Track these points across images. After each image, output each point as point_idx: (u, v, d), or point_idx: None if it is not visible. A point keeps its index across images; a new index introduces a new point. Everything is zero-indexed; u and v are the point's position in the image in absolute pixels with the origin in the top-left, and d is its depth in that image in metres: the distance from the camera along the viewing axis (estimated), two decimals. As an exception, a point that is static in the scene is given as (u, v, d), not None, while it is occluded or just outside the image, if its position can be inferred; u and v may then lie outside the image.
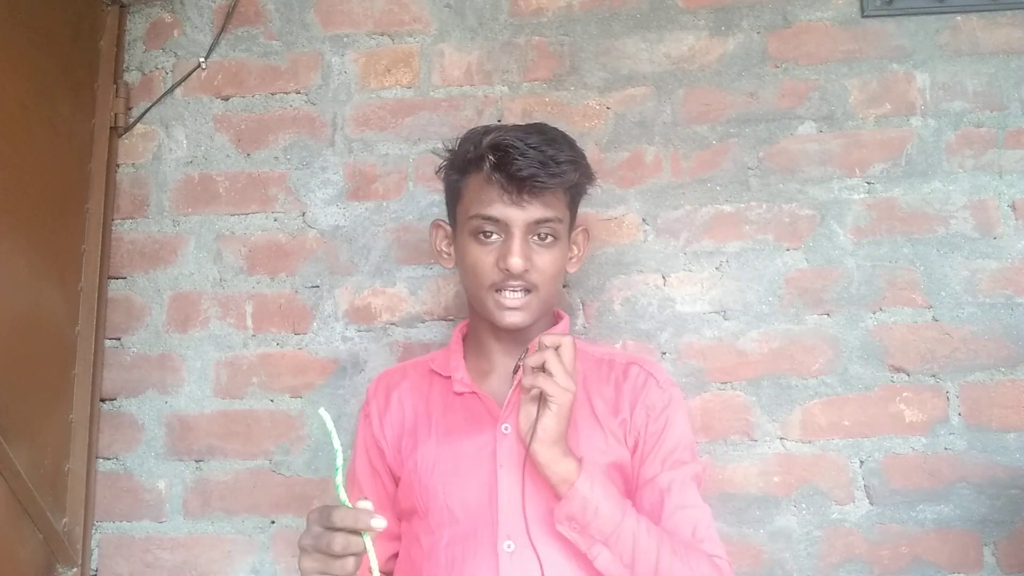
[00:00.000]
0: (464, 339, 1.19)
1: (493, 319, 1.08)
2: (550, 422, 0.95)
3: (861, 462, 1.35)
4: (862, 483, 1.34)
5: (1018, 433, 1.34)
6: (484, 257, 1.07)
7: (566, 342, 0.97)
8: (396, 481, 1.14)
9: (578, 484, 0.95)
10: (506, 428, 1.05)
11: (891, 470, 1.34)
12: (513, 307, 1.06)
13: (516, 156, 1.03)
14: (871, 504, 1.34)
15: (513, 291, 1.06)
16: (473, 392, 1.11)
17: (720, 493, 1.35)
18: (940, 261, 1.39)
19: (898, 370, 1.37)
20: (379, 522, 0.82)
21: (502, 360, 1.14)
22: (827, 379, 1.37)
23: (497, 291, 1.07)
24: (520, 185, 1.04)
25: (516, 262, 1.03)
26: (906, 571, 1.32)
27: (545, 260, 1.07)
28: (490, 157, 1.05)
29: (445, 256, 1.17)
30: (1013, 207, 1.40)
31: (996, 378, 1.36)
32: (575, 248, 1.18)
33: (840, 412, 1.36)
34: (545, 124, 1.14)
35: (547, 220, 1.06)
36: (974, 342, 1.37)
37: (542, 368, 0.96)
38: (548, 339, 0.98)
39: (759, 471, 1.36)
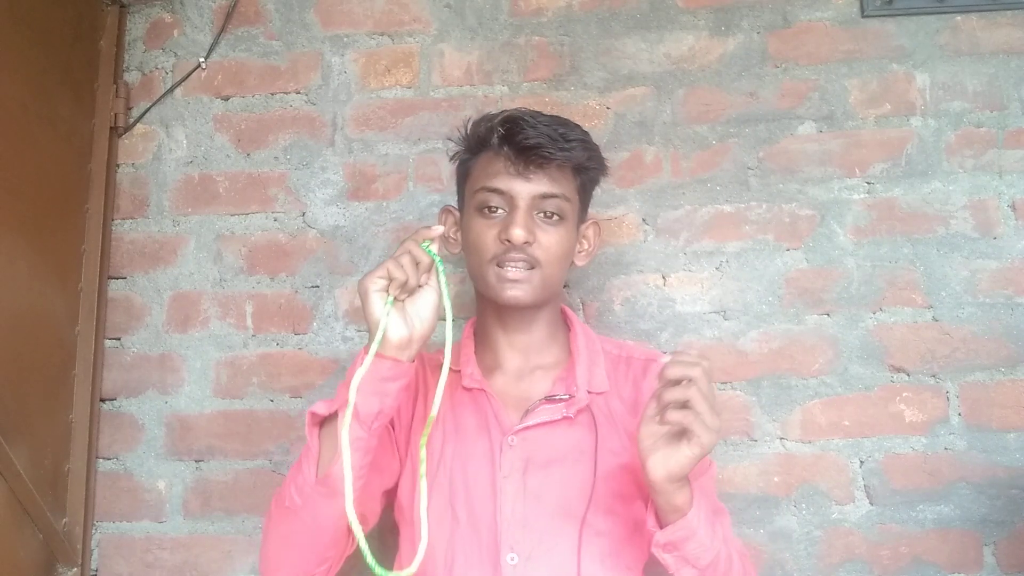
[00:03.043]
0: (474, 334, 1.18)
1: (494, 295, 1.07)
2: (687, 461, 0.86)
3: (861, 462, 1.35)
4: (862, 483, 1.34)
5: (1018, 433, 1.34)
6: (487, 231, 1.06)
7: (697, 375, 0.85)
8: (397, 448, 1.11)
9: (690, 515, 0.89)
10: (512, 440, 1.04)
11: (891, 470, 1.34)
12: (514, 279, 1.04)
13: (525, 127, 1.05)
14: (871, 504, 1.34)
15: (515, 265, 1.04)
16: (481, 389, 1.09)
17: (720, 493, 1.34)
18: (940, 261, 1.39)
19: (898, 370, 1.37)
20: (437, 228, 0.96)
21: (509, 355, 1.13)
22: (827, 379, 1.37)
23: (499, 265, 1.05)
24: (527, 156, 1.04)
25: (518, 233, 1.02)
26: (906, 571, 1.32)
27: (550, 238, 1.05)
28: (499, 130, 1.07)
29: (452, 241, 1.16)
30: (1013, 207, 1.40)
31: (996, 378, 1.36)
32: (585, 242, 1.17)
33: (840, 412, 1.36)
34: (561, 116, 1.15)
35: (553, 196, 1.06)
36: (974, 342, 1.37)
37: (683, 403, 0.85)
38: (675, 371, 0.86)
39: (759, 471, 1.36)
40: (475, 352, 1.14)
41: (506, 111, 1.10)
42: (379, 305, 0.92)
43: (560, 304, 1.19)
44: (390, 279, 0.92)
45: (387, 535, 1.40)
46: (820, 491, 1.34)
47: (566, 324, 1.18)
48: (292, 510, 0.94)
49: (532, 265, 1.05)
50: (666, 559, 0.91)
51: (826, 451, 1.36)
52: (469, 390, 1.10)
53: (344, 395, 0.92)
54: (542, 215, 1.06)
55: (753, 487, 1.35)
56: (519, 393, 1.09)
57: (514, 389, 1.10)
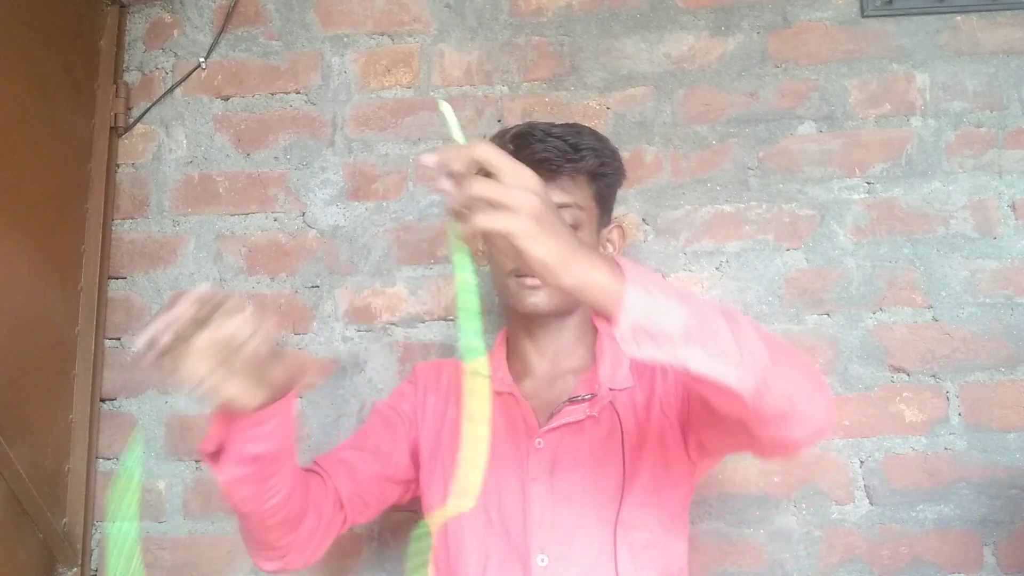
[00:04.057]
0: (506, 342, 1.19)
1: (515, 304, 1.08)
2: (538, 246, 0.67)
3: (861, 462, 1.35)
4: (862, 483, 1.34)
5: (1018, 433, 1.34)
6: None
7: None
8: (407, 454, 1.11)
9: (628, 289, 0.70)
10: (539, 443, 1.04)
11: (891, 470, 1.34)
12: (533, 286, 1.05)
13: (534, 142, 1.06)
14: (871, 504, 1.34)
15: (532, 277, 1.05)
16: (511, 393, 1.10)
17: (720, 493, 1.35)
18: (940, 261, 1.39)
19: (898, 370, 1.37)
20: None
21: (537, 360, 1.13)
22: (827, 379, 1.37)
23: (518, 276, 1.07)
24: (536, 170, 1.03)
25: None
26: (906, 571, 1.32)
27: None
28: (509, 146, 1.07)
29: (481, 255, 1.17)
30: (1013, 207, 1.40)
31: (996, 378, 1.36)
32: (610, 245, 1.17)
33: (840, 412, 1.36)
34: (581, 124, 1.15)
35: (564, 205, 1.06)
36: (974, 342, 1.37)
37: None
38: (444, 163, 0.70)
39: (759, 471, 1.36)
40: (507, 358, 1.15)
41: (519, 126, 1.11)
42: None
43: (588, 311, 1.18)
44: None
45: (387, 535, 1.40)
46: (820, 491, 1.34)
47: (595, 328, 1.18)
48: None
49: None
50: (654, 354, 0.72)
51: (826, 451, 1.36)
52: (500, 394, 1.10)
53: (218, 435, 0.84)
54: None
55: (753, 487, 1.35)
56: (550, 397, 1.09)
57: (545, 393, 1.10)
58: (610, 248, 1.17)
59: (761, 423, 0.80)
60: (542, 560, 0.98)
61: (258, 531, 0.94)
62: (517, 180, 0.69)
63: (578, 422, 1.05)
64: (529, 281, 1.05)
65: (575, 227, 1.07)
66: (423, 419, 1.13)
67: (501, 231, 0.67)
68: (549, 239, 0.68)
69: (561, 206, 1.05)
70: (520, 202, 0.67)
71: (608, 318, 0.72)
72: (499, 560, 1.01)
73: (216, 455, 0.86)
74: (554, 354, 1.13)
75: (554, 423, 1.05)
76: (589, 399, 1.06)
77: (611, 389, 1.07)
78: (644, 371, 1.10)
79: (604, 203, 1.14)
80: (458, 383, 1.14)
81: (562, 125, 1.11)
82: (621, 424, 1.05)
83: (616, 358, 1.12)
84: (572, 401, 1.06)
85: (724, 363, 0.73)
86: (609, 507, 1.00)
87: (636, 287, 0.71)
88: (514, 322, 1.16)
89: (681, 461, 1.04)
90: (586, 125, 1.14)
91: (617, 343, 1.13)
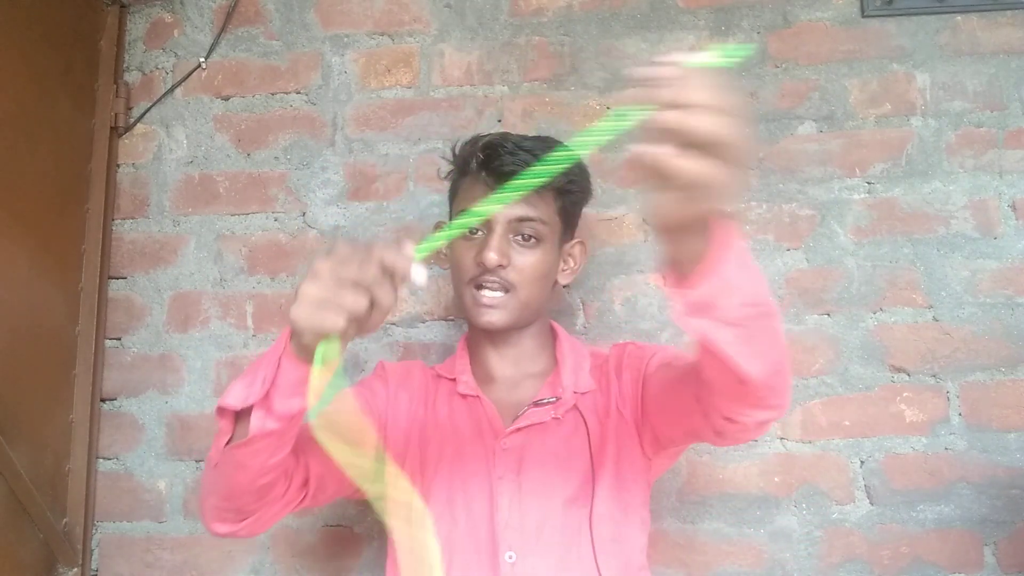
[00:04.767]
0: (468, 348, 1.19)
1: (471, 318, 1.09)
2: (674, 202, 0.66)
3: (861, 462, 1.35)
4: (862, 483, 1.34)
5: (1018, 433, 1.34)
6: (466, 253, 1.08)
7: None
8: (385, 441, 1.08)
9: (721, 268, 0.70)
10: (505, 443, 1.05)
11: (891, 470, 1.34)
12: (489, 305, 1.06)
13: (504, 153, 1.06)
14: (871, 504, 1.34)
15: (491, 289, 1.06)
16: (477, 396, 1.11)
17: (720, 493, 1.35)
18: (940, 261, 1.39)
19: (898, 370, 1.37)
20: (419, 275, 0.72)
21: (499, 366, 1.14)
22: (827, 379, 1.37)
23: (477, 288, 1.07)
24: (503, 182, 1.04)
25: (491, 256, 1.03)
26: (906, 571, 1.32)
27: (526, 260, 1.07)
28: (479, 155, 1.08)
29: (443, 257, 1.18)
30: (1013, 207, 1.40)
31: (996, 378, 1.36)
32: (570, 260, 1.17)
33: (840, 412, 1.36)
34: (552, 137, 1.15)
35: (529, 219, 1.06)
36: (974, 342, 1.37)
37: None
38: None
39: (759, 471, 1.36)
40: (470, 364, 1.16)
41: (490, 135, 1.12)
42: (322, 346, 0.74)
43: (548, 320, 1.19)
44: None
45: (387, 536, 1.40)
46: (820, 491, 1.34)
47: (554, 332, 1.19)
48: (212, 464, 0.89)
49: (507, 288, 1.06)
50: (700, 326, 0.72)
51: (826, 451, 1.36)
52: (465, 397, 1.12)
53: (258, 387, 0.80)
54: (520, 237, 1.07)
55: (753, 487, 1.35)
56: (514, 400, 1.10)
57: (508, 396, 1.11)
58: (571, 263, 1.17)
59: (735, 400, 0.82)
60: (510, 557, 0.99)
61: (239, 491, 0.88)
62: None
63: (542, 423, 1.06)
64: (486, 298, 1.06)
65: (537, 240, 1.08)
66: (393, 415, 1.11)
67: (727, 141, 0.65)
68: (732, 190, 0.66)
69: (525, 220, 1.07)
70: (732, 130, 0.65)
71: (678, 277, 0.70)
72: (464, 558, 1.01)
73: (241, 411, 0.81)
74: (516, 360, 1.14)
75: (520, 424, 1.06)
76: (554, 402, 1.07)
77: (575, 392, 1.09)
78: (601, 375, 1.11)
79: (568, 219, 1.14)
80: (428, 386, 1.15)
81: (533, 138, 1.11)
82: (587, 424, 1.06)
83: (577, 362, 1.13)
84: (537, 404, 1.07)
85: (751, 354, 0.74)
86: (580, 502, 1.01)
87: (730, 268, 0.70)
88: (474, 330, 1.16)
89: (637, 458, 1.05)
90: (557, 139, 1.14)
91: (576, 348, 1.15)
